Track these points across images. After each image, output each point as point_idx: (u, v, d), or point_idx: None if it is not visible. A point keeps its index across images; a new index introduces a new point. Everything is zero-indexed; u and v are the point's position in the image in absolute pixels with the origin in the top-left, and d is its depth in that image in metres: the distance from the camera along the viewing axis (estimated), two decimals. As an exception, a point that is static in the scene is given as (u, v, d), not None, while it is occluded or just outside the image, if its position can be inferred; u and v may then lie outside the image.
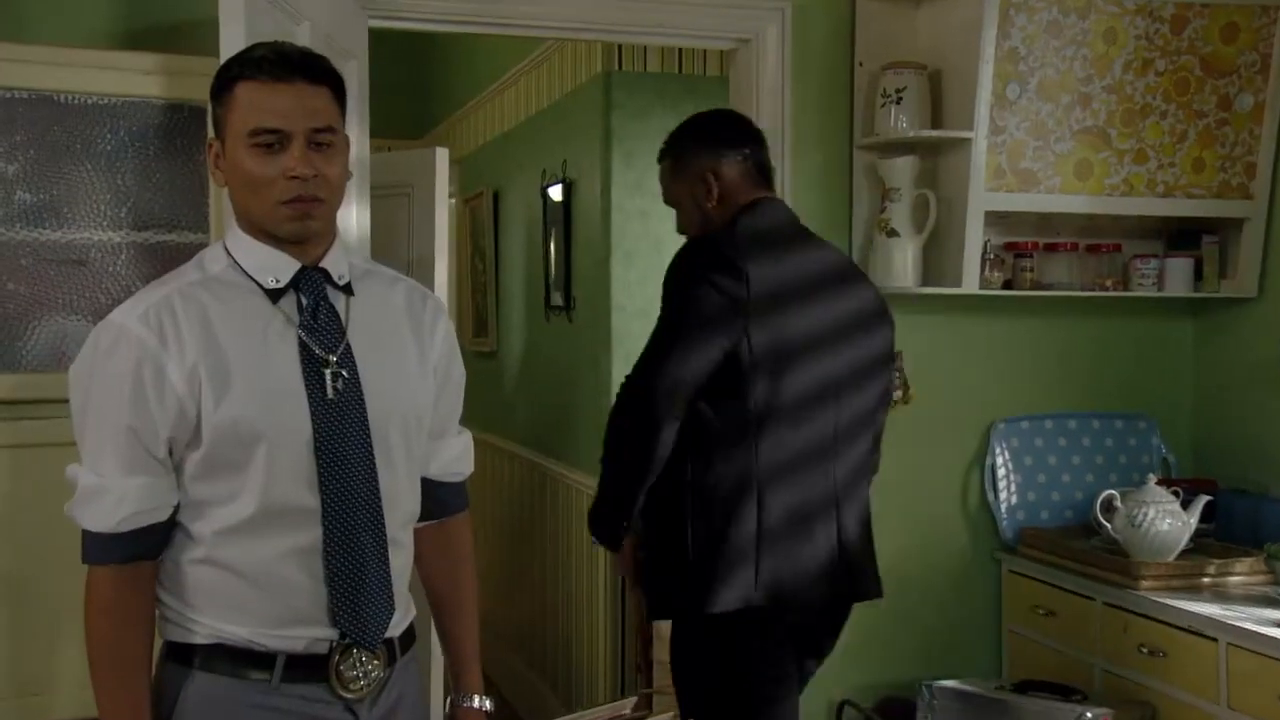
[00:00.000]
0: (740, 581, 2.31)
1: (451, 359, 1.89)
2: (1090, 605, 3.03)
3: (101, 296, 2.36)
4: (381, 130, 4.34)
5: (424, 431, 1.83)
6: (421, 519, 1.86)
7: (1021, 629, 3.30)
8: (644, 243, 4.09)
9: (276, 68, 1.63)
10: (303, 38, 2.34)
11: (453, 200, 6.19)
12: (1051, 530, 3.33)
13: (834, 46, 3.21)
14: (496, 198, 5.41)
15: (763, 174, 2.51)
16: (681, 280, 2.36)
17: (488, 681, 5.81)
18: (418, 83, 6.45)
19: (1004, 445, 3.36)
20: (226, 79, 1.67)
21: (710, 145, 2.48)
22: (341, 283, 1.74)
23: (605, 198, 4.10)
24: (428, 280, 3.21)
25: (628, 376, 2.37)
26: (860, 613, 3.23)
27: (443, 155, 3.26)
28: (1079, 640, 3.07)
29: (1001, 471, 3.36)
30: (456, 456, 1.93)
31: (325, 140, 1.66)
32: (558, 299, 4.56)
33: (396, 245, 3.33)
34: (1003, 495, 3.35)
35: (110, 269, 2.39)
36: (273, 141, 1.62)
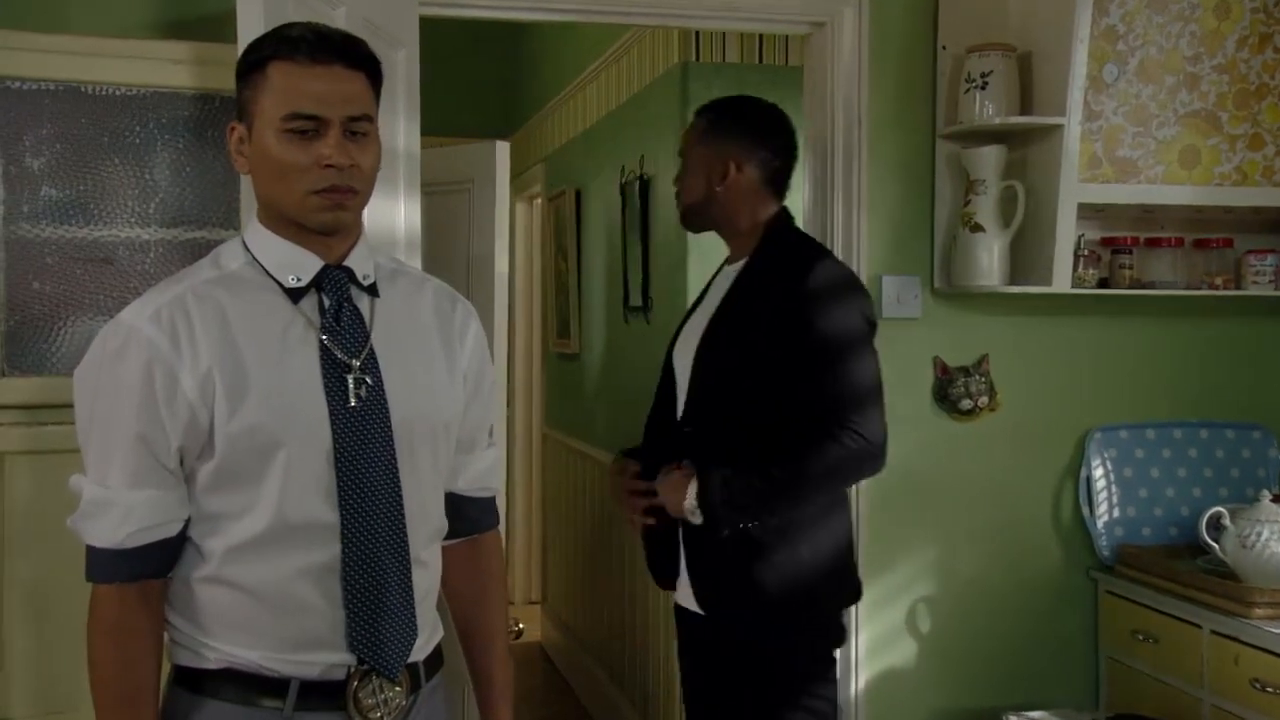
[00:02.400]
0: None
1: (483, 366, 1.78)
2: (1196, 633, 2.78)
3: (130, 297, 2.24)
4: (472, 129, 4.31)
5: (452, 443, 1.72)
6: (448, 537, 1.76)
7: (1120, 656, 3.06)
8: (720, 240, 3.91)
9: (315, 49, 1.53)
10: (339, 24, 2.23)
11: (537, 200, 6.13)
12: (1153, 549, 3.08)
13: (915, 28, 3.04)
14: (579, 196, 5.30)
15: (781, 185, 2.54)
16: (851, 315, 2.35)
17: (568, 688, 5.70)
18: (507, 81, 6.40)
19: (1101, 456, 3.14)
20: (258, 58, 1.56)
21: (751, 136, 2.49)
22: (366, 283, 1.64)
23: (681, 194, 3.94)
24: (488, 279, 3.11)
25: (833, 418, 2.29)
26: (942, 632, 3.09)
27: (503, 149, 3.13)
28: (1184, 671, 2.82)
29: (1100, 484, 3.14)
30: (487, 470, 1.83)
31: (361, 129, 1.56)
32: (636, 299, 4.42)
33: (456, 243, 3.22)
34: (1100, 509, 3.12)
35: (138, 268, 2.32)
36: (309, 128, 1.52)
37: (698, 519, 2.32)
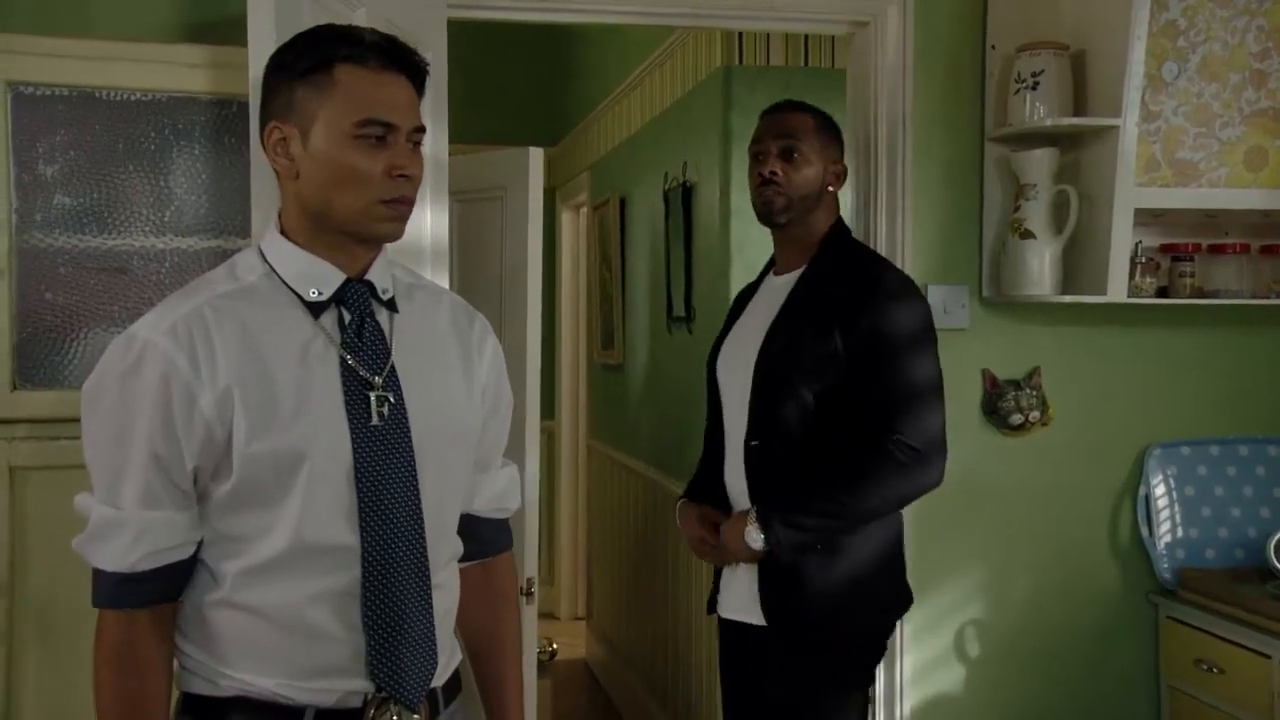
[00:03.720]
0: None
1: (500, 382, 1.73)
2: (1265, 664, 2.64)
3: (145, 308, 2.18)
4: (518, 137, 4.26)
5: (470, 462, 1.67)
6: (461, 560, 1.70)
7: (1183, 686, 2.91)
8: (765, 249, 3.79)
9: (387, 57, 1.51)
10: (359, 25, 2.16)
11: (583, 209, 6.06)
12: (1218, 572, 2.95)
13: (962, 27, 2.94)
14: (623, 204, 5.22)
15: None
16: (920, 320, 2.34)
17: (611, 706, 5.61)
18: (554, 88, 6.35)
19: (1161, 473, 3.00)
20: (321, 58, 1.49)
21: (842, 148, 2.53)
22: (385, 297, 1.59)
23: (724, 201, 3.86)
24: (520, 288, 3.03)
25: (890, 428, 2.26)
26: (992, 657, 2.99)
27: (536, 155, 3.05)
28: (1253, 704, 2.67)
29: (1160, 503, 3.01)
30: (502, 491, 1.78)
31: (418, 140, 1.54)
32: (679, 309, 4.33)
33: (488, 251, 3.14)
34: (1160, 530, 2.99)
35: (153, 278, 2.27)
36: (383, 134, 1.48)
37: (761, 547, 2.30)
